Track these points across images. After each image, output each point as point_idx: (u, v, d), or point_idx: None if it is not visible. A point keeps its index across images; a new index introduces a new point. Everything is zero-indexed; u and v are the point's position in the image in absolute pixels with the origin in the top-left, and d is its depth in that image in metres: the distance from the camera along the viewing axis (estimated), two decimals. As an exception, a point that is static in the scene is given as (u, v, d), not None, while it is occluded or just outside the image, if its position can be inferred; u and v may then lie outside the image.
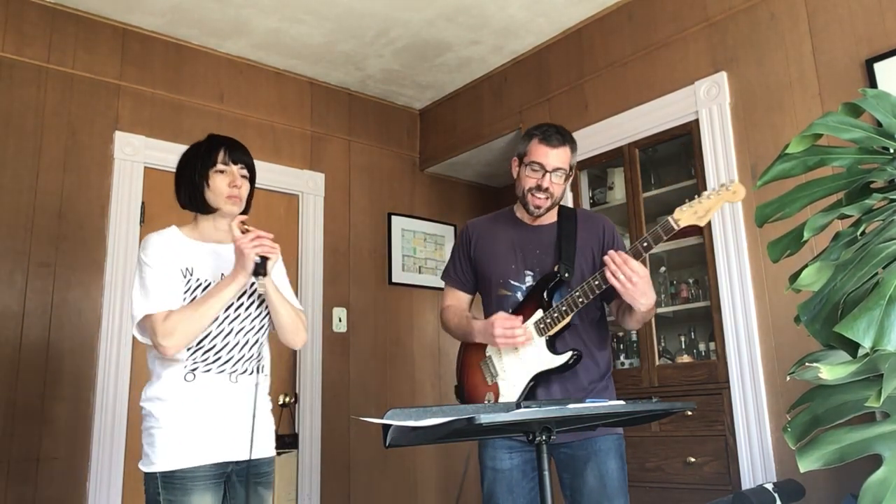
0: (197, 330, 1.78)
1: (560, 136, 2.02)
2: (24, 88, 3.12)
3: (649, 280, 1.84)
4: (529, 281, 2.04)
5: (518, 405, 1.27)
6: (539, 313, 1.96)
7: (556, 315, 1.92)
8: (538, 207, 2.03)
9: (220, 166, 1.89)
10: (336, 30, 3.58)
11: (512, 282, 2.06)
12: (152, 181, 3.40)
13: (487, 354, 2.05)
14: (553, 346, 1.95)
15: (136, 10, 3.34)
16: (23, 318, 2.95)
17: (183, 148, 3.55)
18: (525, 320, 1.98)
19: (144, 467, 1.77)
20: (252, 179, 1.98)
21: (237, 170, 1.91)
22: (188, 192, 1.92)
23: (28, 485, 2.85)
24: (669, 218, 1.77)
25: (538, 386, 1.97)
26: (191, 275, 1.86)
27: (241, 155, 1.94)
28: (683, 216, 1.76)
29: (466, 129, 4.25)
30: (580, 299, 1.88)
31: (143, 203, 3.34)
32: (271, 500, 1.95)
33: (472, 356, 2.10)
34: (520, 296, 2.04)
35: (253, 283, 1.87)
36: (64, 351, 3.03)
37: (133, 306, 1.82)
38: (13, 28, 3.12)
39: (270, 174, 3.73)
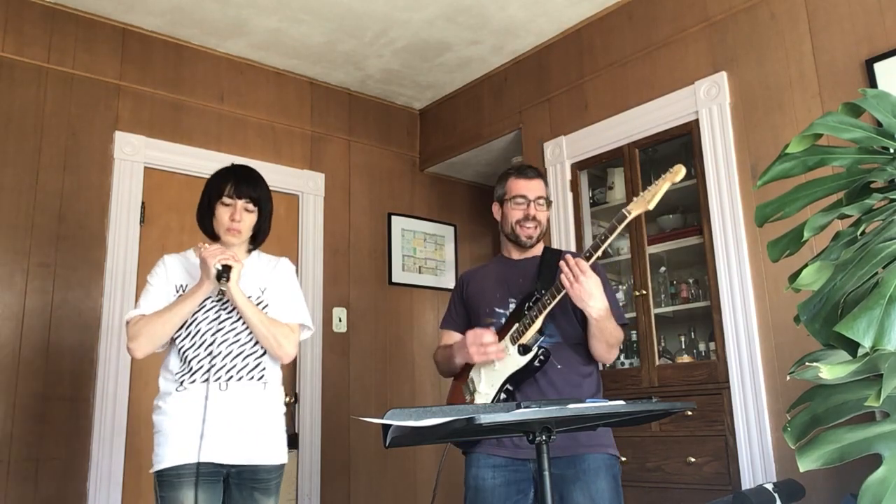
0: (160, 333, 1.94)
1: (534, 169, 2.18)
2: (24, 88, 3.12)
3: (599, 286, 1.88)
4: (513, 307, 2.09)
5: (518, 405, 1.27)
6: (515, 327, 2.00)
7: (527, 321, 1.95)
8: (529, 238, 2.14)
9: (224, 199, 2.03)
10: (336, 30, 3.58)
11: (497, 309, 2.11)
12: (152, 181, 3.40)
13: (469, 377, 2.07)
14: (524, 349, 1.97)
15: (136, 10, 3.34)
16: (23, 318, 2.95)
17: (183, 148, 3.60)
18: (502, 338, 2.01)
19: (150, 470, 1.95)
20: (262, 210, 2.09)
21: (241, 204, 2.03)
22: (201, 218, 2.10)
23: (28, 485, 2.85)
24: (624, 209, 1.87)
25: (514, 393, 1.97)
26: (183, 290, 2.02)
27: (247, 189, 2.05)
28: (634, 206, 1.86)
29: (466, 129, 4.25)
30: (547, 300, 1.92)
31: (143, 203, 3.34)
32: None
33: (458, 385, 2.14)
34: (503, 321, 2.08)
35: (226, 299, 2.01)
36: (64, 351, 3.03)
37: None
38: (13, 28, 3.12)
39: (270, 174, 3.66)
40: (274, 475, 2.01)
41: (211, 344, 1.97)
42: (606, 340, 1.98)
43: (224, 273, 1.91)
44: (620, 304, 2.42)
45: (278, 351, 2.02)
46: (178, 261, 2.09)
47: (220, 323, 2.00)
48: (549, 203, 2.18)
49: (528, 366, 1.94)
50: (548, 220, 2.20)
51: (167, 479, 1.89)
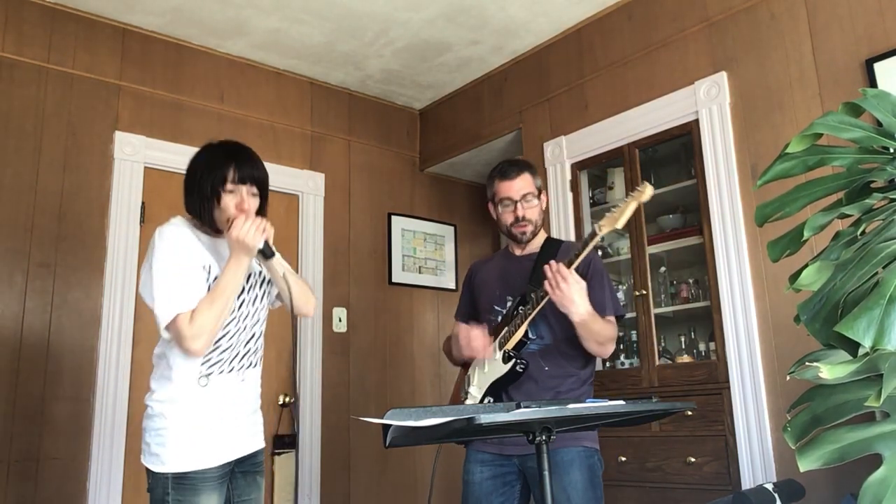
0: (219, 326, 1.76)
1: (516, 167, 2.17)
2: (24, 88, 3.12)
3: (582, 291, 1.91)
4: (509, 305, 2.14)
5: (518, 405, 1.27)
6: (504, 330, 2.07)
7: (512, 329, 2.02)
8: (524, 234, 2.17)
9: (229, 186, 1.82)
10: (336, 30, 3.58)
11: (496, 307, 2.18)
12: (152, 181, 3.40)
13: (467, 374, 2.17)
14: (507, 357, 2.03)
15: (136, 10, 3.34)
16: (23, 318, 2.95)
17: (183, 148, 3.51)
18: (495, 338, 2.08)
19: (154, 466, 1.75)
20: (264, 194, 1.91)
21: (246, 189, 1.84)
22: (198, 204, 1.85)
23: (28, 485, 2.85)
24: (595, 225, 1.90)
25: (500, 396, 2.04)
26: (209, 272, 1.81)
27: (251, 171, 1.85)
28: (605, 223, 1.88)
29: (466, 129, 4.25)
30: (529, 311, 1.98)
31: (143, 203, 3.34)
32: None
33: (461, 376, 2.24)
34: (500, 318, 2.14)
35: (260, 272, 1.90)
36: (64, 351, 3.03)
37: (157, 306, 1.72)
38: (13, 28, 3.12)
39: (270, 174, 3.69)
40: (263, 456, 1.98)
41: (238, 331, 1.84)
42: (595, 339, 2.01)
43: (268, 249, 1.77)
44: (621, 303, 2.43)
45: (308, 305, 1.95)
46: (190, 237, 1.83)
47: (247, 306, 1.87)
48: (540, 192, 2.19)
49: (510, 373, 2.01)
50: (544, 209, 2.21)
51: (189, 484, 1.73)
